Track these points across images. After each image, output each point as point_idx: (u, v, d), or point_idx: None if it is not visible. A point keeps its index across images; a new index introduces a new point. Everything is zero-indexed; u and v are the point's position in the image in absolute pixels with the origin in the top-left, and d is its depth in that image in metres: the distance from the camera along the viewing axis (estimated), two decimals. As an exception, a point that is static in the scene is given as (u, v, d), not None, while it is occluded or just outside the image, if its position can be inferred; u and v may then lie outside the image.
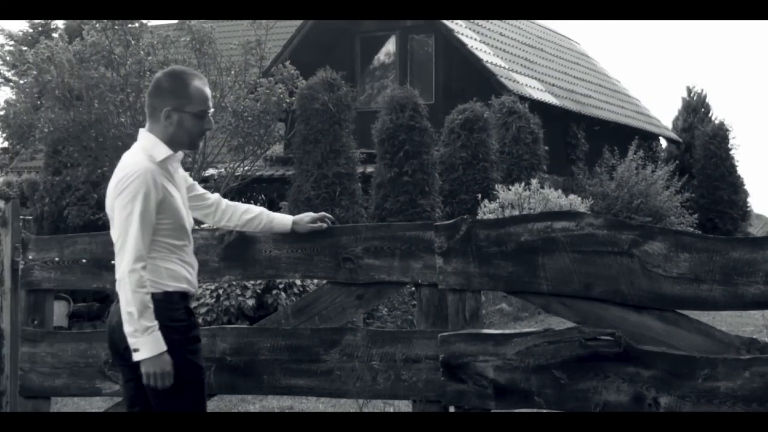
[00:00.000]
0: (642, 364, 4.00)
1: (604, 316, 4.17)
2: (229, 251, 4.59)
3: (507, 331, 4.27)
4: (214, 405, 7.48)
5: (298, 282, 9.94)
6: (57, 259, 4.94)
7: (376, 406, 5.16)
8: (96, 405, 7.82)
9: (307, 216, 4.47)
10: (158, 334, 3.72)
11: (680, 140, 26.38)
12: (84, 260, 4.89)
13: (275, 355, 4.53)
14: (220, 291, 9.69)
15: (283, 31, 20.46)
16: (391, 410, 6.09)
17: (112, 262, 4.63)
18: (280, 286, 9.85)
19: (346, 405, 6.72)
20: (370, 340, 4.43)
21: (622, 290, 4.12)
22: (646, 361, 4.00)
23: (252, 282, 9.62)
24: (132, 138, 13.97)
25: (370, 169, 16.00)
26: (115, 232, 3.82)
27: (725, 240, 4.08)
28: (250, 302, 9.65)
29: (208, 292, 9.68)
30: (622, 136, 22.65)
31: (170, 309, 3.84)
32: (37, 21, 31.48)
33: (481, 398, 4.20)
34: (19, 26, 58.91)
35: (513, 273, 4.23)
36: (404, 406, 6.42)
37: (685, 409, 3.93)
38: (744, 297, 3.98)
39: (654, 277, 4.07)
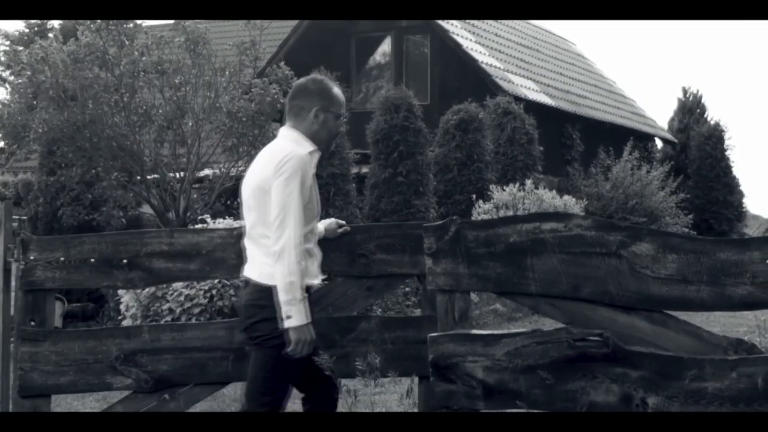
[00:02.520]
0: (630, 365, 4.02)
1: (593, 316, 4.20)
2: None
3: (496, 332, 4.30)
4: (207, 405, 7.48)
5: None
6: (62, 258, 4.99)
7: (366, 405, 5.19)
8: (89, 405, 7.83)
9: (333, 222, 4.83)
10: (308, 305, 4.06)
11: (675, 141, 26.39)
12: (92, 260, 4.98)
13: None
14: (214, 291, 9.69)
15: (278, 31, 20.45)
16: (383, 410, 6.11)
17: (124, 261, 4.93)
18: (274, 287, 9.85)
19: (341, 405, 6.72)
20: (383, 325, 4.84)
21: (610, 291, 4.15)
22: (634, 361, 4.02)
23: (245, 282, 9.63)
24: (126, 138, 13.90)
25: (365, 169, 16.00)
26: (273, 209, 4.10)
27: (713, 241, 4.11)
28: (244, 303, 9.64)
29: (201, 292, 9.68)
30: (618, 137, 22.65)
31: None
32: (33, 21, 31.49)
33: (470, 399, 4.22)
34: (16, 26, 58.86)
35: (502, 274, 4.26)
36: (395, 405, 6.44)
37: (673, 409, 3.95)
38: (731, 298, 4.01)
39: (642, 278, 4.10)
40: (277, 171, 4.11)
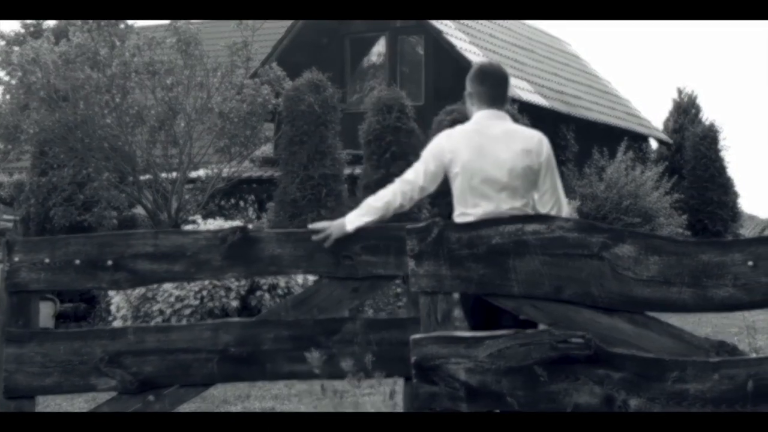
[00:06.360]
0: (612, 367, 4.02)
1: (575, 318, 4.20)
2: (232, 251, 4.87)
3: (478, 334, 4.29)
4: (195, 406, 7.49)
5: (282, 284, 9.96)
6: (47, 260, 4.98)
7: (351, 406, 5.18)
8: (78, 406, 7.84)
9: None
10: None
11: (670, 141, 26.39)
12: (77, 261, 4.96)
13: (278, 344, 4.82)
14: (204, 293, 9.70)
15: (271, 32, 20.47)
16: (370, 409, 6.10)
17: (110, 262, 4.92)
18: (264, 287, 9.87)
19: (330, 406, 6.73)
20: (367, 326, 4.84)
21: (592, 293, 4.15)
22: (616, 363, 4.02)
23: (236, 283, 9.65)
24: (117, 139, 13.90)
25: (357, 170, 16.00)
26: (549, 187, 4.70)
27: (695, 243, 4.12)
28: (234, 304, 9.66)
29: (192, 293, 9.69)
30: (612, 137, 22.66)
31: None
32: (29, 21, 31.40)
33: (453, 400, 4.21)
34: (12, 26, 58.77)
35: (484, 275, 4.26)
36: (383, 406, 6.43)
37: (655, 411, 3.95)
38: (713, 299, 4.02)
39: (624, 280, 4.10)
40: (548, 153, 4.67)
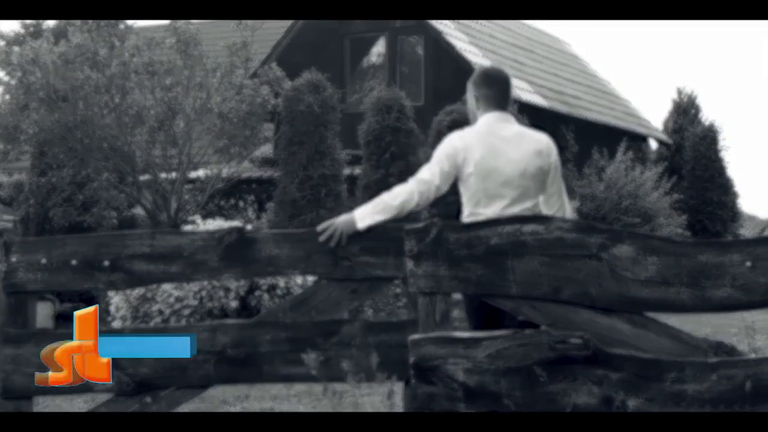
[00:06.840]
0: (610, 367, 4.01)
1: (574, 319, 4.19)
2: (229, 251, 4.80)
3: (477, 334, 4.28)
4: (194, 406, 7.48)
5: (282, 284, 9.96)
6: (44, 260, 4.96)
7: (350, 404, 5.19)
8: (77, 406, 7.84)
9: None
10: None
11: (670, 141, 26.38)
12: (74, 261, 4.94)
13: (276, 346, 4.75)
14: (203, 293, 9.70)
15: (271, 32, 20.46)
16: (369, 409, 6.10)
17: (106, 263, 4.88)
18: (263, 288, 9.87)
19: (329, 406, 6.73)
20: (366, 329, 4.76)
21: (590, 293, 4.14)
22: (614, 364, 4.01)
23: (235, 284, 9.66)
24: (117, 139, 13.93)
25: (357, 170, 16.01)
26: (556, 187, 4.84)
27: (693, 244, 4.12)
28: (233, 304, 9.67)
29: (191, 294, 9.69)
30: (612, 138, 22.66)
31: None
32: (29, 21, 31.40)
33: (451, 401, 4.21)
34: (12, 26, 58.71)
35: (482, 276, 4.26)
36: (382, 406, 6.44)
37: (653, 411, 3.95)
38: (711, 300, 4.02)
39: (622, 281, 4.10)
40: (556, 155, 4.82)
